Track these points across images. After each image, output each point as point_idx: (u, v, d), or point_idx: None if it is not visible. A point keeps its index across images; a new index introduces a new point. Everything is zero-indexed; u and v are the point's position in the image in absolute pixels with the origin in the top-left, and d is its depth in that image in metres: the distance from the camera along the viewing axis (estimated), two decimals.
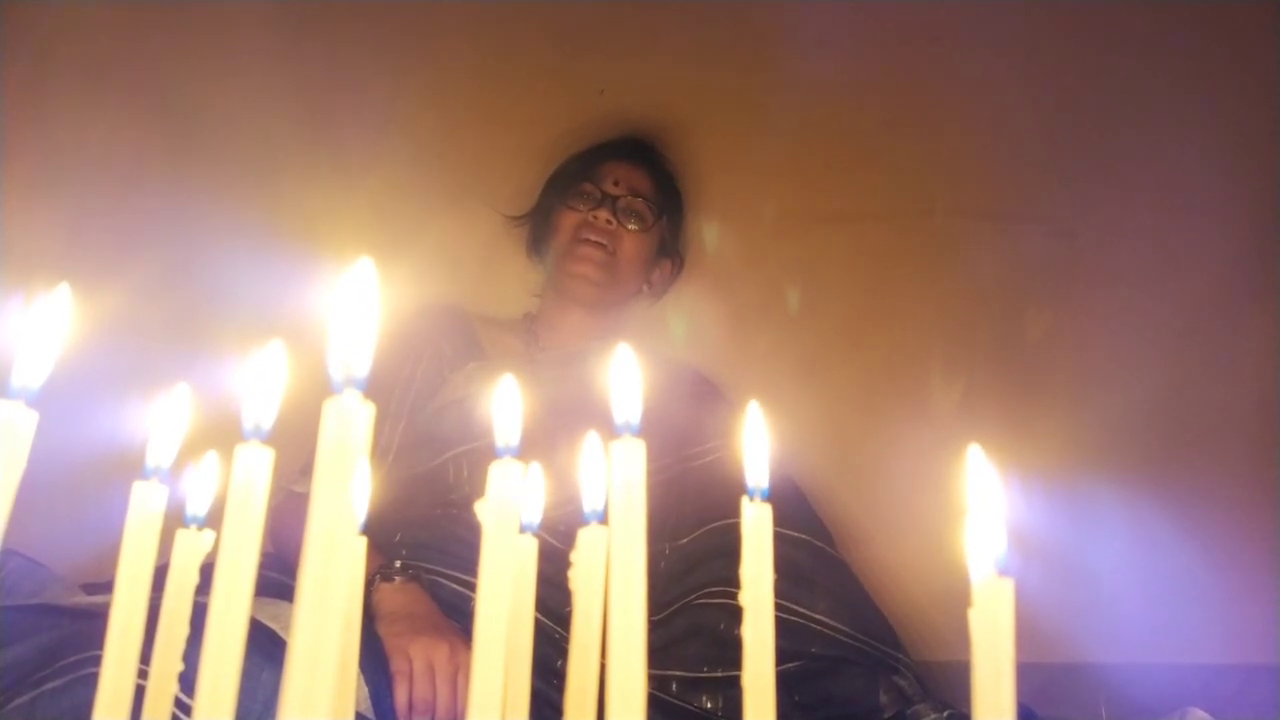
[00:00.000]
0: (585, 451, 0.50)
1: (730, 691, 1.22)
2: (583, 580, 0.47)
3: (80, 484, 1.21)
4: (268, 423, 0.41)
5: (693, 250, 1.75)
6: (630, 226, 1.56)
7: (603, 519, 0.48)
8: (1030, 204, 1.80)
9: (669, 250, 1.67)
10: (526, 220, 1.68)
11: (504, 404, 0.46)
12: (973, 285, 1.77)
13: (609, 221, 1.54)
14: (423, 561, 1.23)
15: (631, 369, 0.45)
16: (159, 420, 0.48)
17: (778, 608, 1.30)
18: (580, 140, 1.68)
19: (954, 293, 1.77)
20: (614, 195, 1.56)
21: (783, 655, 1.25)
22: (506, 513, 0.42)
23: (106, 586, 1.05)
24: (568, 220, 1.56)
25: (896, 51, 1.82)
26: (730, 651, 1.24)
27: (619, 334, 1.57)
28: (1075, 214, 1.78)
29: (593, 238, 1.53)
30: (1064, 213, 1.78)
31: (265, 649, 0.85)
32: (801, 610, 1.31)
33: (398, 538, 1.28)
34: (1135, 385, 1.68)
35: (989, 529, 0.39)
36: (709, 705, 1.22)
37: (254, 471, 0.38)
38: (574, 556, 0.48)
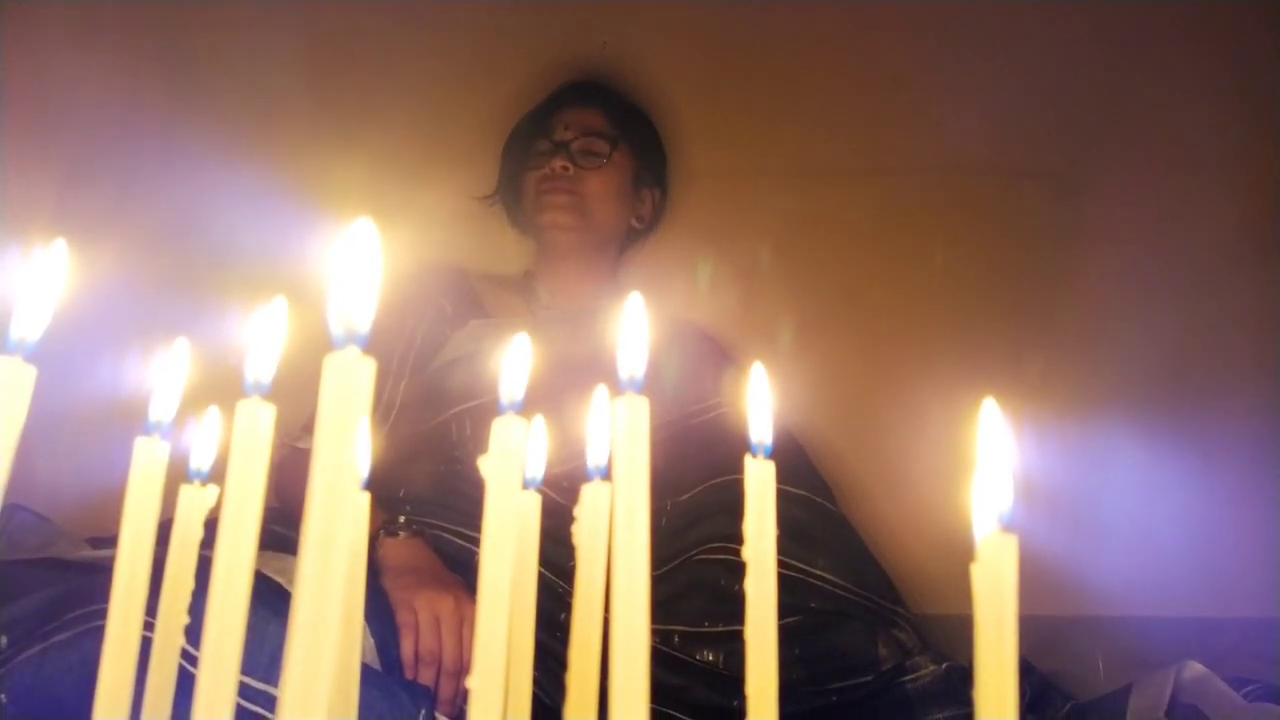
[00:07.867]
0: (590, 407, 0.50)
1: (731, 645, 1.23)
2: (586, 536, 0.47)
3: (84, 437, 1.21)
4: (269, 378, 0.40)
5: (693, 206, 1.73)
6: (589, 166, 1.54)
7: (606, 475, 0.48)
8: (1034, 159, 1.79)
9: (647, 180, 1.64)
10: (497, 197, 1.67)
11: (509, 360, 0.46)
12: (976, 240, 1.76)
13: (565, 167, 1.53)
14: (426, 517, 1.24)
15: (640, 320, 0.45)
16: (160, 375, 0.48)
17: (778, 563, 1.31)
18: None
19: (957, 247, 1.76)
20: (565, 140, 1.55)
21: (783, 610, 1.25)
22: (509, 468, 0.42)
23: (112, 540, 1.05)
24: (530, 180, 1.56)
25: (898, 4, 1.79)
26: (731, 606, 1.26)
27: (619, 290, 1.56)
28: (1079, 169, 1.76)
29: (554, 187, 1.52)
30: (1068, 168, 1.77)
31: (271, 603, 0.85)
32: (801, 565, 1.32)
33: (401, 493, 1.29)
34: (1138, 342, 1.68)
35: (994, 484, 0.39)
36: (711, 659, 1.23)
37: (256, 426, 0.38)
38: (577, 512, 0.48)
